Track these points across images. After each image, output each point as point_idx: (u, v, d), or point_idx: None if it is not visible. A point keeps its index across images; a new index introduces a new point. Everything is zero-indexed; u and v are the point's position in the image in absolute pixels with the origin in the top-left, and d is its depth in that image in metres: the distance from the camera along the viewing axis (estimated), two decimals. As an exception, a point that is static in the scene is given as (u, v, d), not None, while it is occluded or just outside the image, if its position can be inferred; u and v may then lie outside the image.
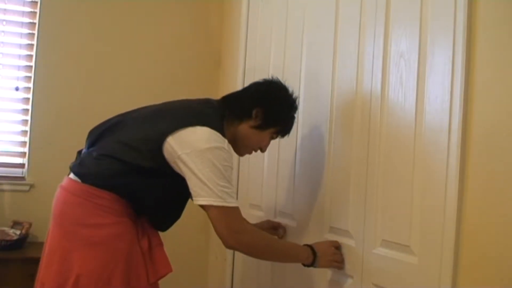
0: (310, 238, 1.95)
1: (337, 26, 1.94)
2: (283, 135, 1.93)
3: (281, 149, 2.28)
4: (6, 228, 2.75)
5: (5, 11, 2.96)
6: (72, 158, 2.96)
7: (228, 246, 1.69)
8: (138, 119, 1.81)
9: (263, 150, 1.93)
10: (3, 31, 2.97)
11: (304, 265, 1.82)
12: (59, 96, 2.98)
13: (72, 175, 1.80)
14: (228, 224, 1.65)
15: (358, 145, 1.75)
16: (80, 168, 1.78)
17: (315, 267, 1.81)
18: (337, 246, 1.83)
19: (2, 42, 2.96)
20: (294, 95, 1.91)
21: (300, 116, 2.11)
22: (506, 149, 1.36)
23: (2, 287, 2.52)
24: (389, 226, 1.62)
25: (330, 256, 1.81)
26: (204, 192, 1.63)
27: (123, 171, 1.70)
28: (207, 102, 1.86)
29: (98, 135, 1.84)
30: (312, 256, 1.80)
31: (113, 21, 3.09)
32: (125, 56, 3.10)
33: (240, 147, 1.90)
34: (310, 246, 1.82)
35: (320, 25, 2.05)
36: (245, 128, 1.84)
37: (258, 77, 2.04)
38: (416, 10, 1.58)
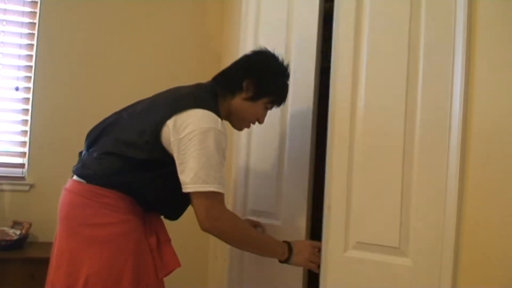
0: (294, 238, 1.95)
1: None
2: (278, 105, 1.92)
3: (266, 148, 2.29)
4: (6, 228, 2.75)
5: (5, 11, 2.96)
6: (72, 158, 2.96)
7: (203, 229, 1.69)
8: (133, 114, 1.82)
9: (260, 122, 1.92)
10: (3, 31, 2.97)
11: (280, 261, 1.84)
12: (59, 96, 2.98)
13: (75, 177, 1.81)
14: (208, 208, 1.65)
15: (344, 144, 1.72)
16: (83, 169, 1.79)
17: (288, 263, 1.83)
18: (318, 248, 1.82)
19: (2, 42, 2.96)
20: (284, 63, 1.90)
21: (288, 116, 2.12)
22: (506, 149, 1.36)
23: (2, 287, 2.52)
24: (373, 227, 1.63)
25: (307, 255, 1.82)
26: (189, 179, 1.63)
27: (124, 167, 1.71)
28: (198, 85, 1.87)
29: (96, 136, 1.85)
30: (287, 253, 1.81)
31: (113, 21, 3.09)
32: (125, 56, 3.10)
33: (236, 122, 1.90)
34: (288, 243, 1.84)
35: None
36: (238, 102, 1.84)
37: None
38: (415, 10, 1.58)
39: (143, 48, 3.13)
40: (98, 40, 3.05)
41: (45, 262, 2.62)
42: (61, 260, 1.73)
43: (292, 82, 1.97)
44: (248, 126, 1.94)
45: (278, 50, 1.94)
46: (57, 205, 2.92)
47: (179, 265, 1.81)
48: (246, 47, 2.37)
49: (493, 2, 1.43)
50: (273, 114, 2.04)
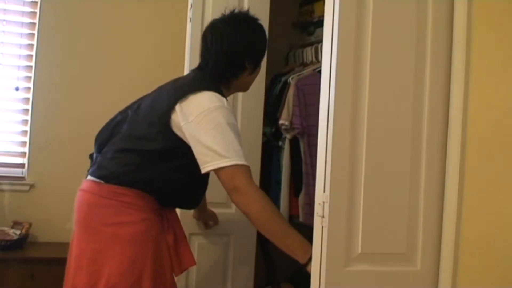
0: (246, 224, 1.91)
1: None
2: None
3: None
4: (6, 228, 2.75)
5: (5, 11, 2.96)
6: (72, 158, 2.97)
7: (234, 202, 1.70)
8: (138, 110, 1.84)
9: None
10: (3, 31, 2.97)
11: (297, 263, 1.68)
12: (59, 96, 2.98)
13: (91, 177, 1.81)
14: (233, 180, 1.63)
15: (345, 148, 1.63)
16: (99, 171, 1.79)
17: (303, 270, 1.64)
18: None
19: (2, 42, 2.96)
20: (260, 22, 1.94)
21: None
22: (504, 151, 1.36)
23: (2, 287, 2.52)
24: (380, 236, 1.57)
25: None
26: (209, 157, 1.63)
27: (141, 162, 1.72)
28: (193, 72, 1.91)
29: (107, 136, 1.86)
30: (307, 257, 1.62)
31: (113, 21, 3.09)
32: (125, 56, 3.09)
33: (243, 89, 1.98)
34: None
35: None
36: (244, 78, 1.89)
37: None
38: (413, 10, 1.58)
39: (143, 48, 3.12)
40: (98, 40, 3.05)
41: (45, 262, 2.64)
42: (81, 260, 1.74)
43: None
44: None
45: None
46: (57, 205, 2.94)
47: (194, 263, 1.82)
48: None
49: (493, 3, 1.43)
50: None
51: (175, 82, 1.89)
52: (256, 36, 1.92)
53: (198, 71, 1.90)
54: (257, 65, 1.91)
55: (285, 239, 1.66)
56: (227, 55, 1.84)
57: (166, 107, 1.72)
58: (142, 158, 1.72)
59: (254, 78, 1.96)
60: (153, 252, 1.72)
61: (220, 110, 1.67)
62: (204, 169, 1.65)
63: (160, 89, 1.90)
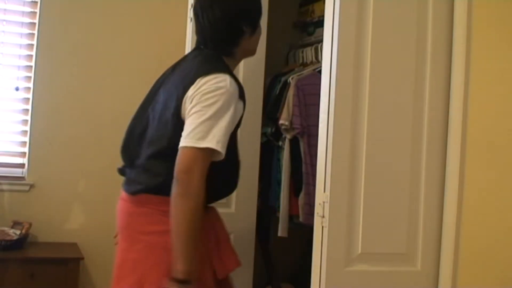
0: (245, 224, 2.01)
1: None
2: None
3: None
4: (6, 228, 2.75)
5: (5, 11, 2.96)
6: (71, 158, 2.97)
7: (175, 177, 1.60)
8: (155, 112, 1.80)
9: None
10: (3, 31, 2.96)
11: (173, 277, 1.59)
12: (59, 96, 2.97)
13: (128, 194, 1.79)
14: (186, 159, 1.58)
15: (345, 149, 1.63)
16: (134, 186, 1.76)
17: (169, 280, 1.58)
18: None
19: (2, 42, 2.96)
20: None
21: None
22: (504, 152, 1.36)
23: (2, 287, 2.52)
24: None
25: None
26: (185, 133, 1.59)
27: (168, 166, 1.64)
28: (193, 54, 1.86)
29: (135, 149, 1.82)
30: (182, 275, 1.56)
31: (113, 21, 3.08)
32: (125, 56, 3.09)
33: (250, 54, 1.91)
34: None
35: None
36: (246, 43, 1.83)
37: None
38: (414, 10, 1.58)
39: (143, 48, 3.12)
40: (98, 40, 3.05)
41: (45, 262, 2.64)
42: (123, 270, 1.76)
43: (241, 82, 2.04)
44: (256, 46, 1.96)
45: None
46: (57, 205, 2.94)
47: (238, 264, 1.78)
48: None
49: (493, 4, 1.43)
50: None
51: (180, 72, 1.82)
52: (249, 2, 1.86)
53: (198, 53, 1.85)
54: (255, 25, 1.84)
55: (189, 244, 1.60)
56: (222, 23, 1.79)
57: (175, 102, 1.68)
58: (167, 160, 1.66)
59: (257, 39, 1.89)
60: None
61: (219, 92, 1.62)
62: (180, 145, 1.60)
63: (169, 81, 1.84)
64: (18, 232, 2.71)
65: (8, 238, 2.65)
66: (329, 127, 1.54)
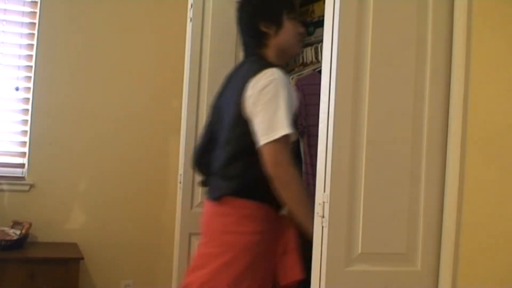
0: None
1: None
2: (293, 6, 1.95)
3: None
4: (6, 228, 2.75)
5: (5, 11, 2.96)
6: (71, 158, 2.98)
7: (272, 175, 1.73)
8: (219, 125, 1.91)
9: (302, 33, 1.98)
10: (3, 31, 2.97)
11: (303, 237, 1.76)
12: (59, 96, 2.98)
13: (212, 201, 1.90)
14: (270, 155, 1.71)
15: (345, 148, 1.61)
16: (216, 192, 1.87)
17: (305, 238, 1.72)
18: None
19: (2, 42, 2.96)
20: None
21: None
22: (504, 151, 1.36)
23: (2, 287, 2.52)
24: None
25: None
26: (258, 135, 1.72)
27: (242, 168, 1.79)
28: (243, 62, 1.97)
29: (210, 162, 1.92)
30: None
31: (113, 21, 3.09)
32: (125, 56, 3.10)
33: (290, 51, 1.97)
34: None
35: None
36: (274, 42, 1.88)
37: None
38: (414, 10, 1.58)
39: (142, 49, 3.13)
40: (98, 40, 3.05)
41: (45, 262, 2.64)
42: (198, 262, 1.85)
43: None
44: (300, 46, 2.02)
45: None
46: (57, 205, 2.95)
47: (299, 276, 1.78)
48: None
49: (493, 5, 1.43)
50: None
51: (234, 81, 1.92)
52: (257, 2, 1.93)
53: (244, 61, 1.96)
54: (278, 24, 1.88)
55: (310, 211, 1.66)
56: (244, 28, 1.94)
57: (236, 106, 1.79)
58: (240, 162, 1.80)
59: (289, 37, 1.91)
60: (263, 261, 1.79)
61: (274, 83, 1.73)
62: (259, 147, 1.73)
63: (224, 95, 1.96)
64: (18, 232, 2.71)
65: (8, 238, 2.66)
66: (329, 127, 1.54)
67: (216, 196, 1.85)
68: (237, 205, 1.79)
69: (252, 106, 1.75)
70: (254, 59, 1.89)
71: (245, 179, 1.78)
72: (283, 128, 1.69)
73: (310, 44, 2.86)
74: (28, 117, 2.96)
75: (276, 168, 1.70)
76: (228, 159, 1.82)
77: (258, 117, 1.73)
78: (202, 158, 1.97)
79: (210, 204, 1.89)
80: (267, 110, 1.71)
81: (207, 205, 1.92)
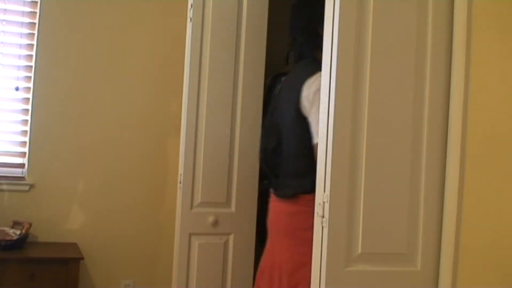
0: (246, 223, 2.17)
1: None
2: None
3: (214, 144, 2.49)
4: (6, 228, 2.75)
5: (5, 11, 2.96)
6: (71, 158, 2.98)
7: None
8: (280, 127, 2.03)
9: None
10: (3, 31, 2.97)
11: None
12: (59, 96, 2.98)
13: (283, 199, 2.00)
14: None
15: (345, 148, 1.61)
16: (290, 188, 1.95)
17: None
18: None
19: (2, 42, 2.96)
20: None
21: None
22: (504, 151, 1.36)
23: (2, 287, 2.52)
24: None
25: None
26: (314, 134, 1.82)
27: (308, 161, 1.82)
28: (297, 67, 2.07)
29: (277, 162, 2.04)
30: None
31: (113, 21, 3.09)
32: (125, 56, 3.10)
33: None
34: None
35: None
36: None
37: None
38: (413, 10, 1.58)
39: (142, 49, 3.12)
40: (98, 40, 3.05)
41: (45, 262, 2.64)
42: (295, 263, 1.92)
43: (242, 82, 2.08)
44: None
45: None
46: (57, 205, 2.95)
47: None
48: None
49: (493, 5, 1.43)
50: (222, 109, 2.47)
51: (290, 82, 2.02)
52: (312, 4, 1.99)
53: (299, 64, 2.05)
54: None
55: None
56: (301, 31, 2.02)
57: (295, 105, 1.89)
58: (305, 159, 1.85)
59: None
60: None
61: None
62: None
63: (281, 99, 2.07)
64: (18, 232, 2.71)
65: (8, 238, 2.66)
66: (329, 127, 1.54)
67: (292, 194, 1.93)
68: (307, 199, 1.82)
69: (308, 105, 1.87)
70: (308, 62, 1.99)
71: (313, 175, 1.80)
72: None
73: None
74: (28, 117, 2.96)
75: None
76: (296, 158, 1.92)
77: (316, 114, 1.79)
78: (272, 158, 2.07)
79: (281, 203, 1.98)
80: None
81: (277, 203, 2.01)
